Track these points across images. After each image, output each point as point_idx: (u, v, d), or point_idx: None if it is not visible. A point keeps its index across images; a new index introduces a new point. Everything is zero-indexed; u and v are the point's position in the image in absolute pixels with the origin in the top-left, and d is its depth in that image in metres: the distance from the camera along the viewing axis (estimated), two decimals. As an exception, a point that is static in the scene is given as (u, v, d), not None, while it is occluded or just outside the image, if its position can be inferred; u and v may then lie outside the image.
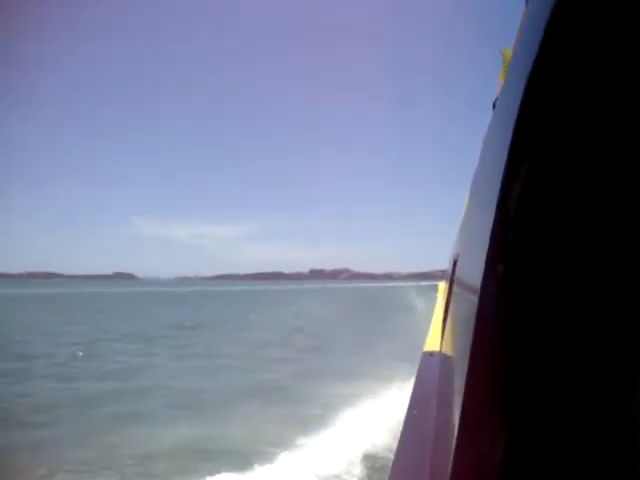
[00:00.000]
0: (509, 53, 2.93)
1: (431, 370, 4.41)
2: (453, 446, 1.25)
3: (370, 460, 12.12)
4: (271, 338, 36.39)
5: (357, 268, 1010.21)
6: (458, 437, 1.22)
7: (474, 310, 1.29)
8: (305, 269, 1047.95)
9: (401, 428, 3.08)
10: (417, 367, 5.01)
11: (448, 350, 3.14)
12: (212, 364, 27.55)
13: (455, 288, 3.64)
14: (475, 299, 1.31)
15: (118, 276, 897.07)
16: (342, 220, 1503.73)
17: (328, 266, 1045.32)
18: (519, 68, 1.26)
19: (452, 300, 4.01)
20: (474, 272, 1.47)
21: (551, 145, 1.10)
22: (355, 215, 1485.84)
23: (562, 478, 1.07)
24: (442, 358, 4.37)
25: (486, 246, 1.23)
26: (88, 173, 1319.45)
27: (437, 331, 6.50)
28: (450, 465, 1.24)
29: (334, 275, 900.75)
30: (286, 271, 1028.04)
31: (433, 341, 6.01)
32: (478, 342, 1.23)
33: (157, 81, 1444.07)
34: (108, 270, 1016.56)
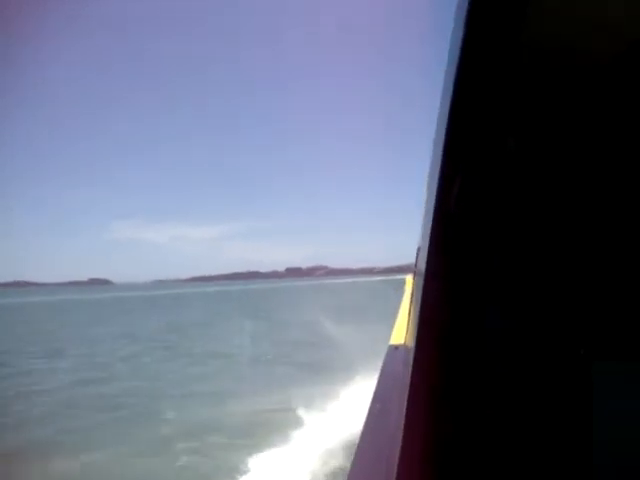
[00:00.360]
0: None
1: (395, 363, 4.39)
2: (400, 437, 1.27)
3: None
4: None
5: (334, 264, 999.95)
6: (405, 427, 1.24)
7: (419, 297, 1.30)
8: (282, 268, 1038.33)
9: (363, 423, 3.04)
10: (382, 361, 4.93)
11: (410, 343, 3.25)
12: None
13: (416, 279, 3.85)
14: (422, 286, 1.33)
15: (93, 282, 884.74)
16: (319, 218, 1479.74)
17: (305, 264, 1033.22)
18: (450, 70, 1.29)
19: (414, 291, 4.34)
20: (423, 263, 1.50)
21: (485, 140, 1.12)
22: (332, 212, 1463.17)
23: (525, 463, 1.09)
24: (405, 351, 4.39)
25: (428, 237, 1.24)
26: (62, 176, 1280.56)
27: (403, 324, 6.51)
28: (398, 455, 1.26)
29: (310, 272, 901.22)
30: (263, 270, 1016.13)
31: (398, 334, 6.01)
32: (422, 332, 1.23)
33: (135, 82, 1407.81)
34: (83, 276, 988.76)
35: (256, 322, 48.24)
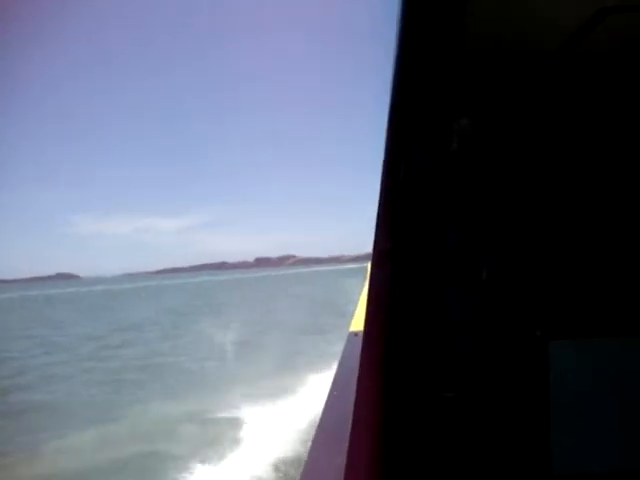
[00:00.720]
0: None
1: (355, 350, 4.11)
2: (350, 423, 1.26)
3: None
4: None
5: (303, 254, 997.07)
6: (355, 414, 1.23)
7: (368, 285, 1.27)
8: (251, 258, 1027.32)
9: (322, 410, 3.01)
10: (342, 348, 4.93)
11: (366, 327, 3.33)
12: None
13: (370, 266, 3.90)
14: (371, 273, 1.31)
15: (60, 277, 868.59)
16: (286, 207, 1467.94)
17: (274, 253, 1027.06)
18: (399, 44, 1.26)
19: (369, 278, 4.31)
20: (373, 245, 1.45)
21: (433, 118, 1.13)
22: (300, 201, 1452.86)
23: (483, 444, 1.10)
24: (363, 338, 4.53)
25: (375, 215, 1.22)
26: (19, 173, 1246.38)
27: (362, 310, 6.69)
28: (348, 441, 1.26)
29: (280, 262, 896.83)
30: (231, 260, 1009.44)
31: (358, 321, 5.90)
32: (370, 316, 1.24)
33: (94, 71, 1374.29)
34: (49, 271, 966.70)
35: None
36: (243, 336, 28.39)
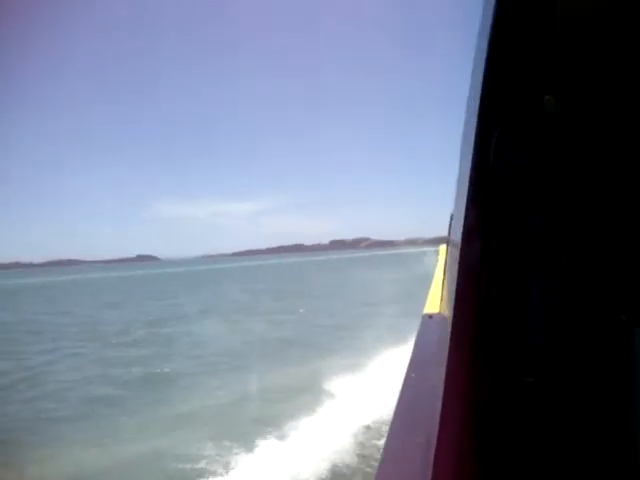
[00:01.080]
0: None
1: (430, 332, 4.26)
2: (440, 407, 1.30)
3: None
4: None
5: (378, 236, 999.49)
6: (445, 397, 1.26)
7: (457, 265, 1.31)
8: (325, 240, 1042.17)
9: (399, 391, 2.86)
10: (417, 330, 4.65)
11: (445, 311, 3.30)
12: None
13: (449, 247, 3.95)
14: (458, 253, 1.34)
15: (140, 259, 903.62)
16: (362, 190, 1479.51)
17: (348, 236, 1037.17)
18: (486, 28, 1.32)
19: (448, 260, 4.38)
20: (459, 228, 1.49)
21: (521, 99, 1.16)
22: (376, 184, 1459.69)
23: (569, 430, 1.11)
24: (440, 320, 4.34)
25: (464, 199, 1.25)
26: (106, 160, 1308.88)
27: (437, 293, 6.29)
28: (437, 425, 1.28)
29: (354, 244, 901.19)
30: (307, 243, 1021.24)
31: (433, 303, 5.71)
32: (460, 300, 1.25)
33: (173, 68, 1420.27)
34: (131, 253, 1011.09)
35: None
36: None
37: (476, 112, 1.27)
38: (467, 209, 1.21)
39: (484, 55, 1.29)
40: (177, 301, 52.95)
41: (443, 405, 1.26)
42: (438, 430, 1.28)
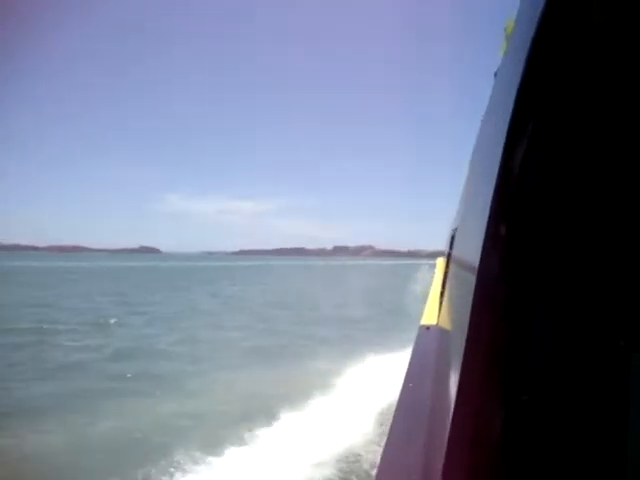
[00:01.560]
0: (511, 26, 2.76)
1: (427, 343, 4.47)
2: (450, 419, 1.29)
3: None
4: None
5: (381, 245, 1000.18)
6: (455, 410, 1.26)
7: (472, 281, 1.32)
8: (329, 245, 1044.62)
9: (397, 400, 3.11)
10: (414, 340, 5.00)
11: (445, 323, 3.30)
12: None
13: (453, 261, 3.94)
14: (474, 269, 1.34)
15: (143, 250, 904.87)
16: (367, 198, 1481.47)
17: (351, 243, 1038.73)
18: (520, 39, 1.30)
19: (450, 274, 4.46)
20: (473, 243, 1.50)
21: (552, 114, 1.12)
22: (381, 193, 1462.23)
23: (560, 453, 1.13)
24: (439, 331, 4.49)
25: (486, 214, 1.24)
26: (122, 151, 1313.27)
27: (434, 305, 6.62)
28: (446, 438, 1.28)
29: (357, 252, 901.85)
30: (310, 247, 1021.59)
31: (430, 315, 6.07)
32: (476, 314, 1.26)
33: (188, 63, 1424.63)
34: (135, 244, 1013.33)
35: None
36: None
37: (501, 123, 1.24)
38: (489, 224, 1.19)
39: (513, 64, 1.24)
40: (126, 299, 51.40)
41: (453, 420, 1.23)
42: (447, 443, 1.24)
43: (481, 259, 1.24)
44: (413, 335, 5.34)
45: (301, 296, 53.54)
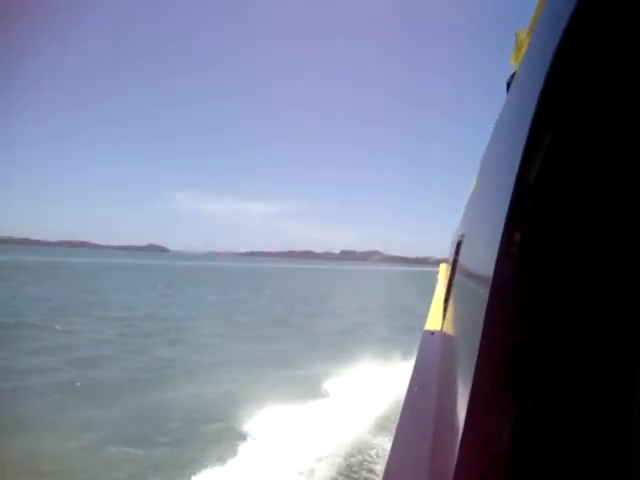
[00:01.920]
0: (523, 35, 2.89)
1: (432, 348, 4.48)
2: (460, 425, 1.30)
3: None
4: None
5: (389, 251, 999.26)
6: (467, 417, 1.26)
7: (485, 289, 1.32)
8: (336, 249, 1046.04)
9: (402, 404, 3.07)
10: (418, 345, 4.97)
11: (451, 330, 3.33)
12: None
13: (460, 268, 3.82)
14: (486, 277, 1.34)
15: (150, 248, 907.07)
16: (376, 204, 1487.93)
17: (359, 248, 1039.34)
18: (539, 49, 1.31)
19: (456, 280, 4.28)
20: (485, 252, 1.53)
21: (572, 126, 1.11)
22: (389, 200, 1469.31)
23: (565, 461, 1.13)
24: (444, 337, 4.46)
25: (502, 223, 1.24)
26: (134, 148, 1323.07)
27: (438, 311, 6.57)
28: (457, 443, 1.29)
29: (365, 257, 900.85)
30: (317, 250, 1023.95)
31: (434, 320, 6.09)
32: (489, 322, 1.25)
33: (202, 61, 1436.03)
34: (142, 242, 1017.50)
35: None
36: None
37: (517, 132, 1.24)
38: (504, 234, 1.20)
39: (531, 74, 1.24)
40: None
41: (465, 426, 1.23)
42: (459, 449, 1.25)
43: (495, 268, 1.24)
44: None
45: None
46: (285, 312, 46.60)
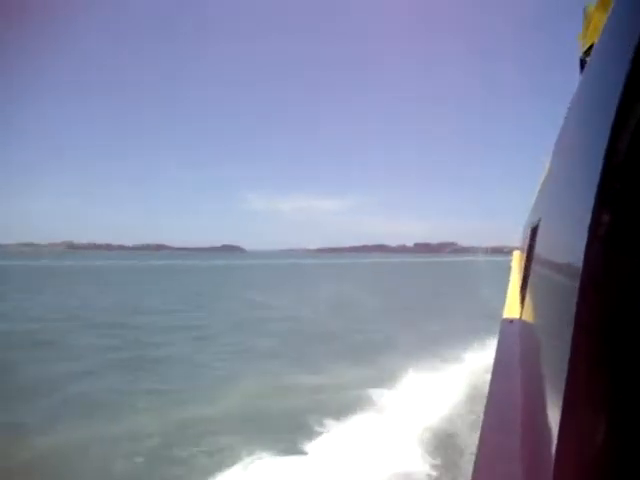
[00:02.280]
0: (593, 10, 2.77)
1: (512, 338, 4.49)
2: (554, 417, 1.24)
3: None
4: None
5: (463, 242, 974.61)
6: (563, 408, 1.20)
7: (575, 277, 1.24)
8: (409, 242, 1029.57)
9: (488, 392, 3.11)
10: (497, 334, 4.98)
11: (531, 318, 3.26)
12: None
13: (538, 254, 3.75)
14: (576, 265, 1.26)
15: (226, 249, 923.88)
16: (451, 193, 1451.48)
17: (433, 239, 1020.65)
18: (621, 23, 1.24)
19: (533, 267, 4.16)
20: (570, 237, 1.44)
21: None
22: (465, 189, 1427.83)
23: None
24: (524, 325, 4.40)
25: (589, 203, 1.17)
26: (208, 152, 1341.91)
27: (515, 299, 6.45)
28: (554, 439, 1.23)
29: (439, 249, 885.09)
30: (391, 244, 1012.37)
31: (512, 309, 5.99)
32: (583, 311, 1.18)
33: (267, 63, 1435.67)
34: (217, 243, 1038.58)
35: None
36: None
37: (600, 111, 1.19)
38: (594, 215, 1.11)
39: (613, 50, 1.20)
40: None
41: (562, 419, 1.16)
42: (557, 440, 1.17)
43: (585, 254, 1.16)
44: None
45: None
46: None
